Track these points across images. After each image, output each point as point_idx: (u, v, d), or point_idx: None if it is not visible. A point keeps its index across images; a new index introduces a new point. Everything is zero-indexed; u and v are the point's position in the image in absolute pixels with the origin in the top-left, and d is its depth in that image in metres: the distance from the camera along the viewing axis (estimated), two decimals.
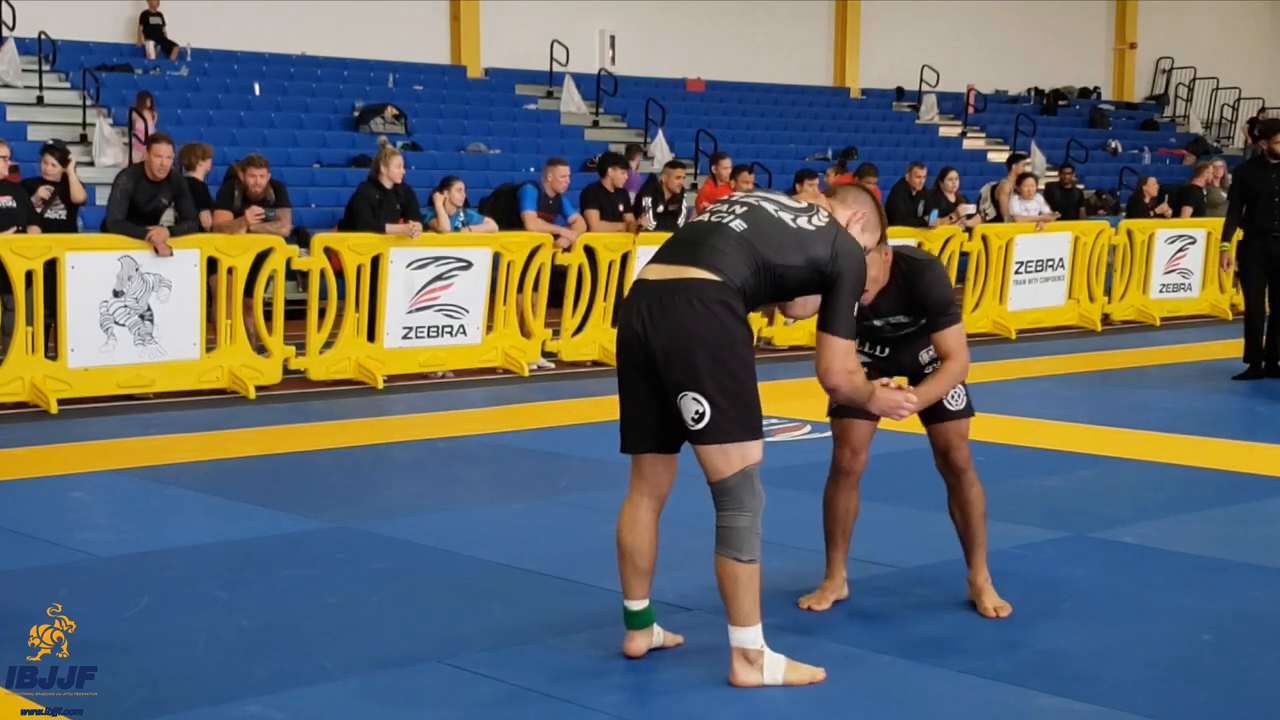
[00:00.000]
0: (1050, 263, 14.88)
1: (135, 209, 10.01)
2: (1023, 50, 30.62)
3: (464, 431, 9.01)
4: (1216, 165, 18.89)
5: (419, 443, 8.69)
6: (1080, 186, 19.61)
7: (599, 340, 11.91)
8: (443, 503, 7.06)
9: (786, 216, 4.39)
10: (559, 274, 11.83)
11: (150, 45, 20.07)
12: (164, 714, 4.12)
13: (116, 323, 9.76)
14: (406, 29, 22.69)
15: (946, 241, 13.94)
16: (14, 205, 10.33)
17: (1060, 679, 4.43)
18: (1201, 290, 16.28)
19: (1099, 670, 4.52)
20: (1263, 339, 11.12)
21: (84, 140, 17.29)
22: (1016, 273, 14.58)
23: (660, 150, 21.08)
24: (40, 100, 18.31)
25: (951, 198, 14.66)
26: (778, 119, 25.01)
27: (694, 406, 4.23)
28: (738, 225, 4.34)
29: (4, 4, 18.78)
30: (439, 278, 11.08)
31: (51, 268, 9.53)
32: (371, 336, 10.86)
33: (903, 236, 11.76)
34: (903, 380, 4.98)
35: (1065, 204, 16.52)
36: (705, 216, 4.49)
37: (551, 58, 23.50)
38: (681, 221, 13.32)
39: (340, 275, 10.79)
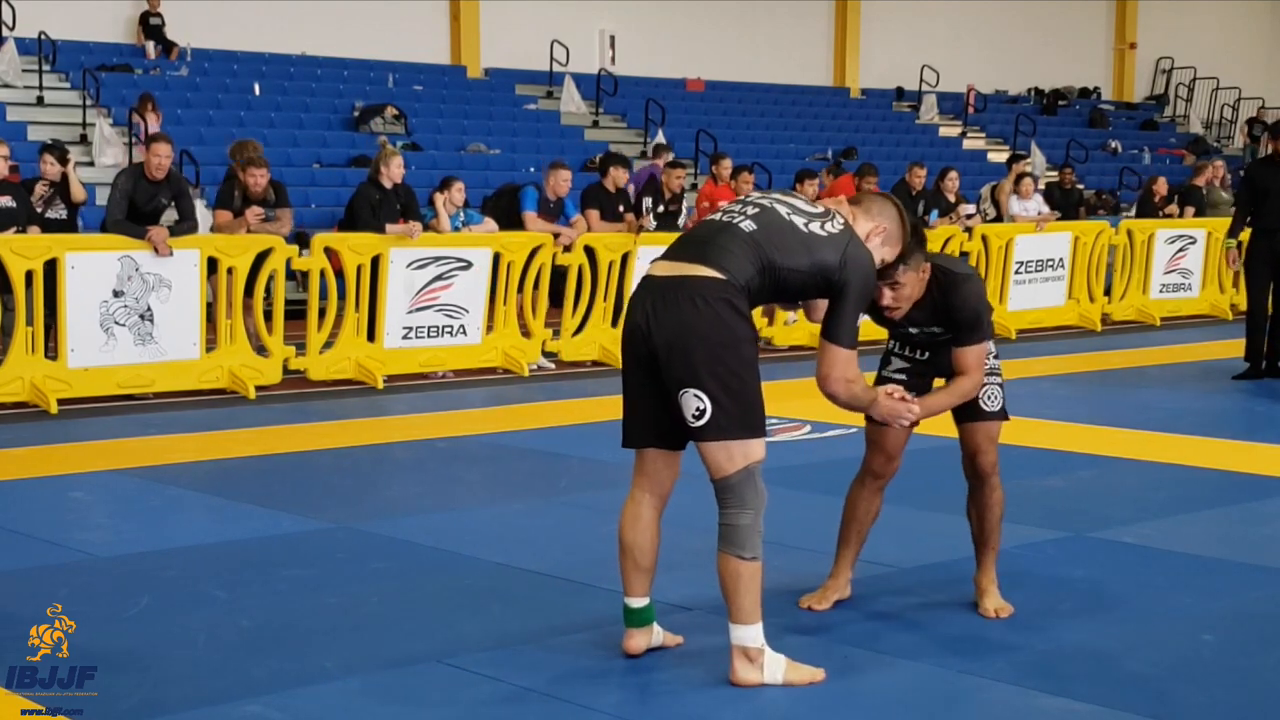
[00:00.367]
0: (1050, 263, 14.89)
1: (135, 209, 10.00)
2: (1023, 50, 30.62)
3: (464, 431, 9.01)
4: (1216, 165, 18.88)
5: (419, 443, 8.68)
6: (1080, 186, 19.61)
7: (599, 340, 11.91)
8: (443, 503, 7.06)
9: (799, 220, 4.39)
10: (559, 274, 11.83)
11: (150, 45, 20.07)
12: (164, 714, 4.12)
13: (116, 323, 9.76)
14: (406, 29, 22.69)
15: (946, 242, 13.94)
16: (14, 205, 10.33)
17: (1060, 679, 4.43)
18: (1202, 290, 16.28)
19: (1099, 670, 4.52)
20: (1265, 339, 11.12)
21: (84, 140, 17.29)
22: (1016, 273, 14.58)
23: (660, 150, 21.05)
24: (40, 100, 18.31)
25: (951, 198, 14.66)
26: (778, 119, 25.01)
27: (695, 403, 4.23)
28: (747, 225, 4.35)
29: (4, 4, 18.78)
30: (439, 278, 11.08)
31: (51, 268, 9.53)
32: (371, 336, 10.86)
33: None
34: (940, 384, 4.98)
35: (1065, 204, 16.52)
36: (717, 216, 4.49)
37: (551, 58, 23.50)
38: (682, 221, 13.33)
39: (340, 275, 10.78)
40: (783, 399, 9.46)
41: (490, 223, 12.00)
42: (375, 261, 10.76)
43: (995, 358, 5.09)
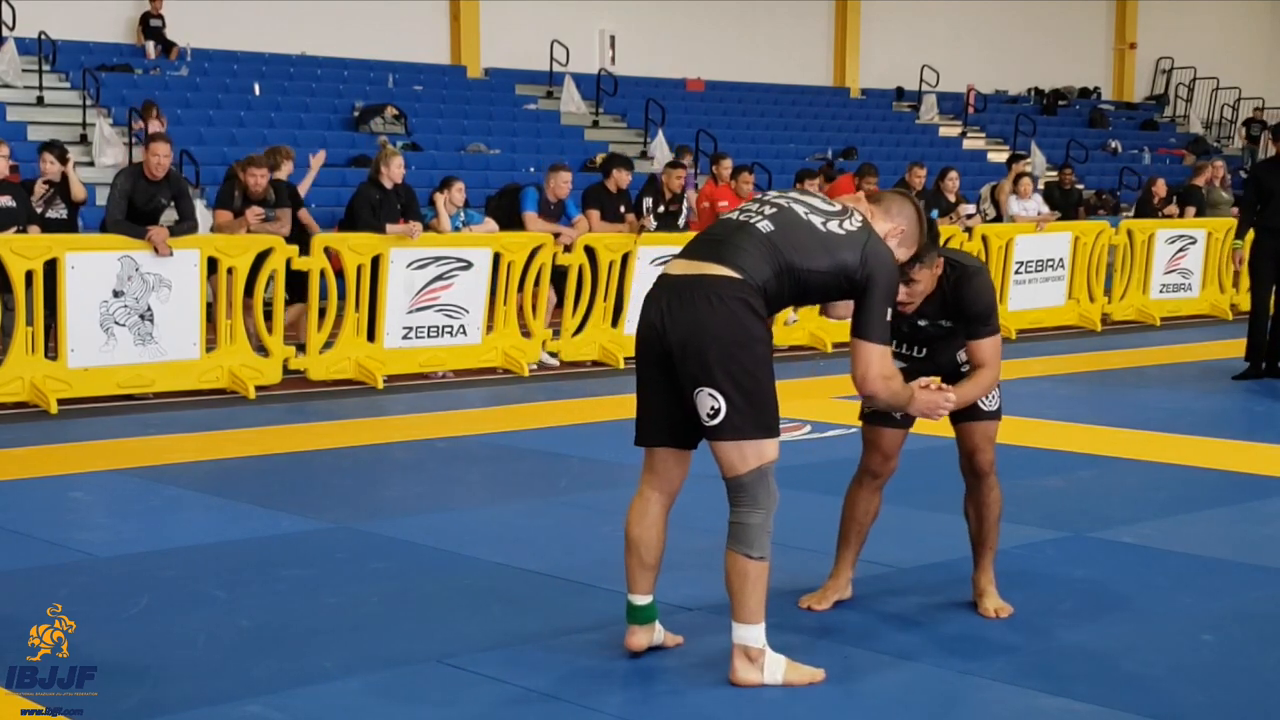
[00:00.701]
0: (1050, 263, 14.89)
1: (134, 209, 10.00)
2: (1023, 50, 30.62)
3: (464, 431, 9.01)
4: (1216, 165, 18.88)
5: (419, 443, 8.68)
6: (1080, 186, 19.60)
7: (599, 340, 11.92)
8: (443, 503, 7.06)
9: (817, 220, 4.37)
10: (560, 274, 11.82)
11: (150, 45, 20.08)
12: (164, 714, 4.12)
13: (116, 323, 9.76)
14: (406, 29, 22.69)
15: (946, 242, 13.92)
16: (14, 205, 10.33)
17: (1060, 679, 4.43)
18: (1202, 290, 16.28)
19: (1099, 670, 4.52)
20: (1266, 339, 11.12)
21: (84, 140, 17.29)
22: (1016, 273, 14.58)
23: (660, 150, 21.08)
24: (40, 100, 18.31)
25: (951, 198, 14.66)
26: (778, 119, 25.01)
27: (710, 402, 4.23)
28: (764, 226, 4.33)
29: (4, 4, 18.78)
30: (439, 278, 11.08)
31: (51, 268, 9.53)
32: (371, 336, 10.86)
33: None
34: (936, 380, 4.98)
35: (1065, 204, 16.52)
36: (734, 215, 4.47)
37: (551, 58, 23.50)
38: (682, 222, 13.33)
39: (340, 275, 10.78)
40: (783, 399, 9.41)
41: (490, 223, 12.00)
42: (375, 261, 10.76)
43: None
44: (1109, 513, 6.72)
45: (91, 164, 16.54)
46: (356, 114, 19.71)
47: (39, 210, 10.66)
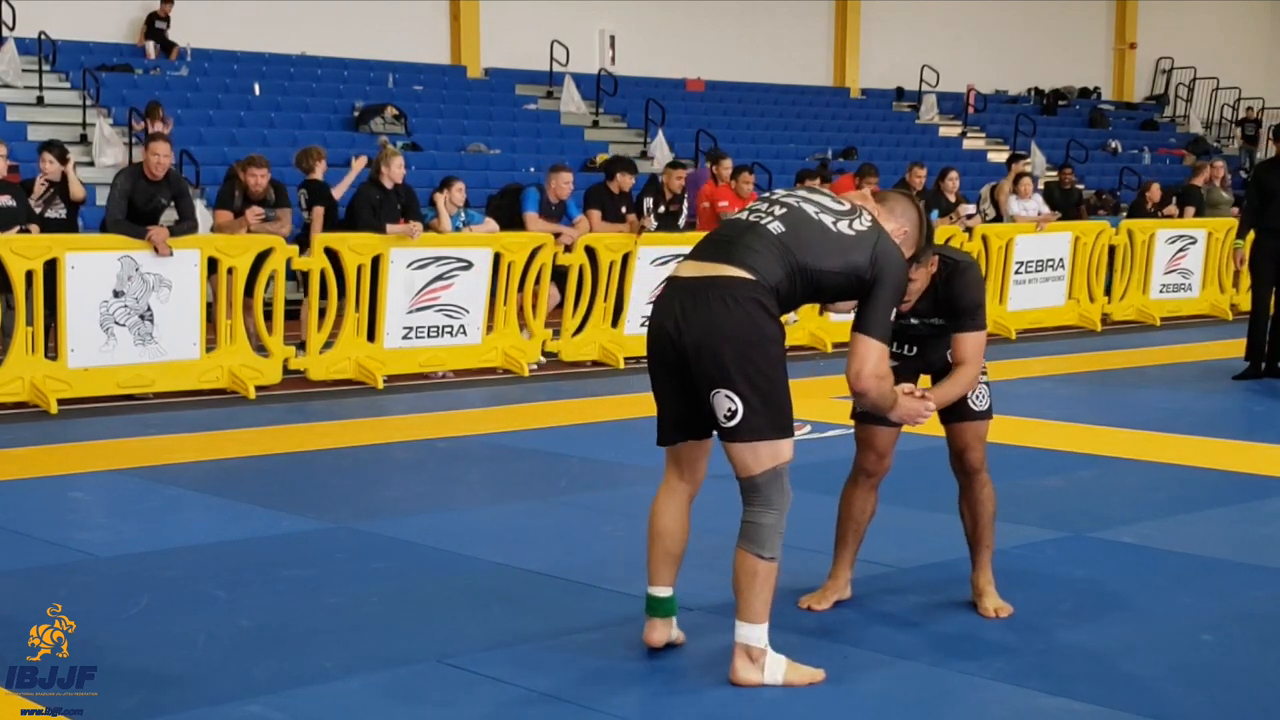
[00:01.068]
0: (1050, 263, 14.89)
1: (134, 209, 10.00)
2: (1023, 50, 30.62)
3: (464, 431, 9.01)
4: (1216, 165, 18.88)
5: (419, 443, 8.68)
6: (1080, 186, 19.60)
7: (599, 340, 11.92)
8: (443, 503, 7.05)
9: (828, 220, 4.36)
10: (560, 274, 11.83)
11: (150, 45, 20.08)
12: (164, 714, 4.12)
13: (116, 323, 9.75)
14: (406, 29, 22.69)
15: (946, 242, 13.94)
16: (14, 205, 10.33)
17: (1060, 679, 4.43)
18: (1202, 290, 16.28)
19: (1099, 670, 4.52)
20: (1266, 338, 11.12)
21: (84, 140, 17.29)
22: (1016, 273, 14.58)
23: (660, 150, 21.08)
24: (40, 100, 18.31)
25: (951, 198, 14.66)
26: (778, 119, 25.01)
27: (726, 404, 4.23)
28: (775, 227, 4.32)
29: (4, 4, 18.78)
30: (439, 278, 11.08)
31: (51, 268, 9.53)
32: (371, 336, 10.85)
33: None
34: (926, 381, 4.98)
35: (1065, 204, 16.52)
36: (744, 215, 4.47)
37: (551, 58, 23.50)
38: (682, 222, 13.33)
39: (340, 275, 10.78)
40: None
41: (491, 223, 12.00)
42: (375, 261, 10.76)
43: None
44: (1109, 513, 6.72)
45: (91, 164, 16.55)
46: (356, 114, 19.71)
47: (38, 210, 10.66)
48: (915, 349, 5.06)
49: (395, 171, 11.18)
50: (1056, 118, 29.47)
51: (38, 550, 6.01)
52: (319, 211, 11.27)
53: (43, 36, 18.55)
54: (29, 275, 9.51)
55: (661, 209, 13.05)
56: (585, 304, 11.85)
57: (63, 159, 11.07)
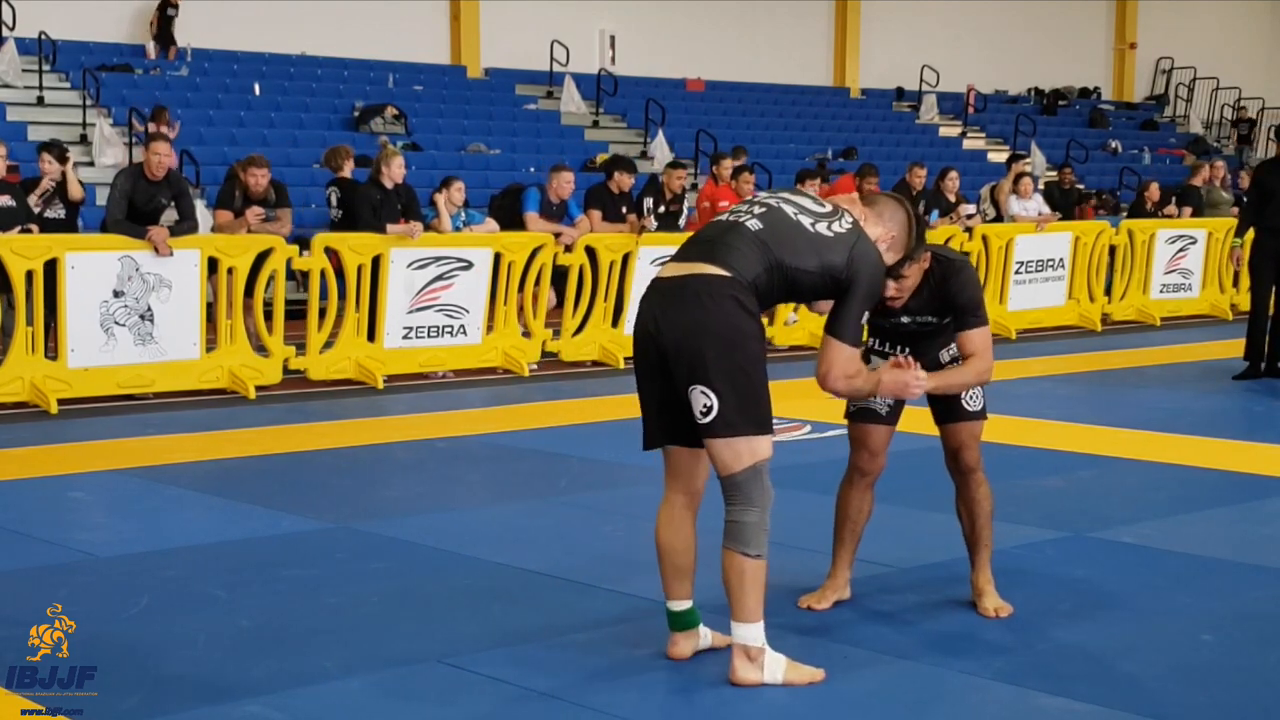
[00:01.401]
0: (1050, 263, 14.89)
1: (134, 209, 10.00)
2: (1023, 50, 30.62)
3: (464, 431, 9.01)
4: (1217, 165, 18.87)
5: (419, 443, 8.68)
6: (1080, 186, 19.60)
7: (599, 340, 11.92)
8: (443, 503, 7.06)
9: (806, 220, 4.40)
10: (560, 274, 11.83)
11: (151, 46, 20.07)
12: (164, 714, 4.12)
13: (116, 323, 9.76)
14: (406, 29, 22.69)
15: (946, 241, 13.94)
16: (14, 205, 10.32)
17: (1060, 679, 4.43)
18: (1202, 290, 16.28)
19: (1099, 670, 4.52)
20: (1265, 338, 11.12)
21: (84, 140, 17.30)
22: (1016, 273, 14.58)
23: (660, 150, 21.08)
24: (40, 100, 18.32)
25: (951, 198, 14.66)
26: (778, 119, 25.01)
27: (703, 400, 4.24)
28: (753, 225, 4.37)
29: (4, 4, 18.78)
30: (440, 278, 11.08)
31: (51, 268, 9.53)
32: (372, 336, 10.85)
33: None
34: (908, 360, 4.99)
35: (1065, 204, 16.52)
36: (724, 216, 4.52)
37: (551, 58, 23.50)
38: (682, 222, 13.33)
39: (340, 275, 10.78)
40: (783, 399, 9.41)
41: (491, 223, 12.00)
42: (376, 261, 10.76)
43: None
44: (1109, 513, 6.72)
45: (91, 164, 16.55)
46: (356, 114, 19.71)
47: (37, 210, 10.66)
48: (906, 349, 5.06)
49: (395, 171, 11.18)
50: (1056, 118, 29.48)
51: (38, 550, 6.01)
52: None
53: (43, 36, 18.55)
54: (29, 275, 9.51)
55: (661, 209, 13.06)
56: (585, 304, 11.86)
57: (62, 159, 11.07)
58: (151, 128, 15.77)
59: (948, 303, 4.88)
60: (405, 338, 10.99)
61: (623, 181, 12.56)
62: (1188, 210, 16.73)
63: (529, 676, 4.43)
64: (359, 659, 4.59)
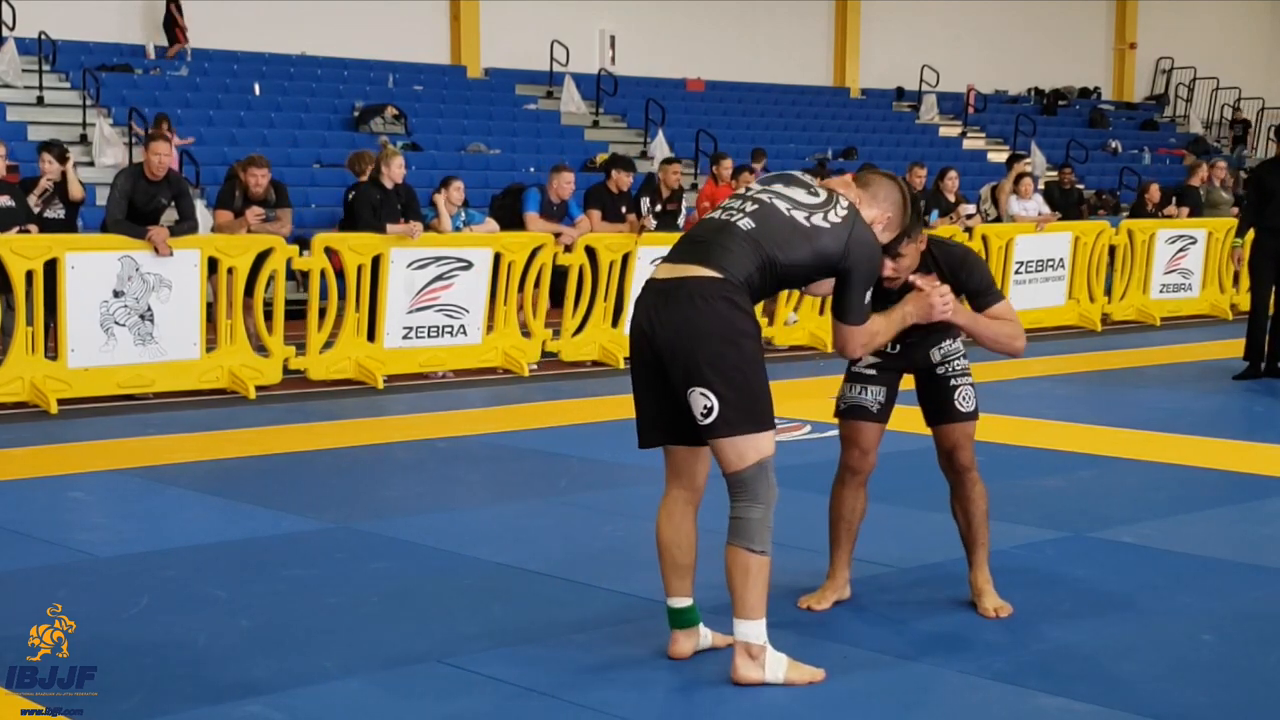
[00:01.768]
0: (1050, 263, 14.89)
1: (134, 209, 10.00)
2: (1023, 50, 30.62)
3: (464, 431, 9.01)
4: (1217, 165, 18.86)
5: (419, 443, 8.68)
6: (1080, 186, 19.60)
7: (599, 340, 11.92)
8: (443, 503, 7.06)
9: (800, 215, 4.42)
10: (560, 274, 11.83)
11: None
12: (164, 714, 4.13)
13: (116, 323, 9.76)
14: (406, 29, 22.69)
15: None
16: (13, 205, 10.32)
17: (1060, 679, 4.43)
18: (1202, 290, 16.28)
19: (1099, 670, 4.52)
20: (1265, 338, 11.13)
21: (84, 140, 17.29)
22: (1016, 273, 14.58)
23: (660, 150, 21.07)
24: (40, 100, 18.31)
25: (951, 198, 14.67)
26: (778, 119, 25.01)
27: (702, 401, 4.25)
28: (745, 224, 4.39)
29: (4, 4, 18.78)
30: (440, 278, 11.08)
31: (51, 268, 9.53)
32: (372, 336, 10.86)
33: None
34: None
35: (1065, 204, 16.52)
36: (716, 214, 4.53)
37: (551, 58, 23.50)
38: (682, 221, 13.33)
39: (340, 275, 10.78)
40: (783, 399, 9.41)
41: (491, 223, 12.00)
42: (375, 261, 10.76)
43: (965, 358, 5.12)
44: (1109, 513, 6.72)
45: (91, 164, 16.54)
46: (356, 114, 19.71)
47: (36, 210, 10.65)
48: (898, 346, 5.06)
49: (395, 171, 11.19)
50: (1056, 118, 29.47)
51: (38, 550, 6.01)
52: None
53: (43, 36, 18.55)
54: (29, 275, 9.51)
55: (659, 208, 13.06)
56: (585, 304, 11.86)
57: (62, 159, 11.07)
58: (152, 131, 15.76)
59: (961, 288, 4.93)
60: (405, 338, 10.99)
61: (620, 180, 12.57)
62: (1185, 210, 16.73)
63: (529, 676, 4.43)
64: (359, 659, 4.60)
